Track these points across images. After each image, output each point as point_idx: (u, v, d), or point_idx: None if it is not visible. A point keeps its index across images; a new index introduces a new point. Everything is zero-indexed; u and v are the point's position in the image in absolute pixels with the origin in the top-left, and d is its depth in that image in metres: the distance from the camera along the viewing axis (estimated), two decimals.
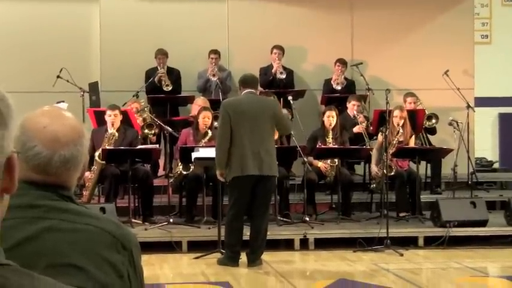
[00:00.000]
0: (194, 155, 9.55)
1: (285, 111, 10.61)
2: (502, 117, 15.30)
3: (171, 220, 10.12)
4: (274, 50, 12.66)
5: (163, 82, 12.26)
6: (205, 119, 10.59)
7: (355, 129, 11.73)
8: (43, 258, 1.91)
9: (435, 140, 12.30)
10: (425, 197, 11.36)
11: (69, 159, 2.07)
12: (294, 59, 13.05)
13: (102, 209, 9.15)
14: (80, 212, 2.04)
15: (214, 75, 12.44)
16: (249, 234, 8.67)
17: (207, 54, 12.54)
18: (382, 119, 10.67)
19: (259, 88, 10.81)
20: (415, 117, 11.49)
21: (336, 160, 10.84)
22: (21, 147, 1.98)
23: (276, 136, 9.38)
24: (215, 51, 12.55)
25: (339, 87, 12.78)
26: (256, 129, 8.41)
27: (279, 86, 12.47)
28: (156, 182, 10.92)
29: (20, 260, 1.38)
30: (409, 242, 9.87)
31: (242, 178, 8.40)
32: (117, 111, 10.41)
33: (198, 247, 9.41)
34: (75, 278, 1.88)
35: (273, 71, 12.58)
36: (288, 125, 9.21)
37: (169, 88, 12.26)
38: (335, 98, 12.47)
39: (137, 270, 2.05)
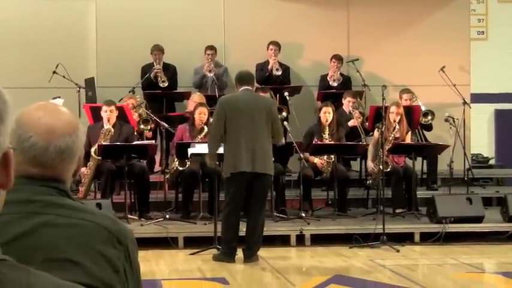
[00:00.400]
0: (190, 150, 9.55)
1: None
2: (498, 113, 15.31)
3: (167, 216, 10.13)
4: (271, 46, 12.66)
5: (159, 78, 12.26)
6: (201, 114, 10.60)
7: (350, 123, 11.74)
8: (39, 253, 1.91)
9: (431, 136, 12.32)
10: (421, 193, 11.38)
11: (64, 150, 2.08)
12: (290, 54, 13.05)
13: (99, 205, 9.16)
14: (76, 207, 2.05)
15: (210, 71, 12.43)
16: (245, 230, 8.68)
17: (203, 50, 12.55)
18: (378, 115, 10.67)
19: (256, 84, 10.79)
20: (411, 114, 11.50)
21: (332, 156, 10.85)
22: (17, 140, 2.00)
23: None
24: (211, 47, 12.55)
25: (335, 84, 12.78)
26: (251, 126, 8.41)
27: (276, 82, 12.47)
28: (152, 178, 10.94)
29: (16, 255, 1.39)
30: (405, 238, 9.88)
31: (236, 175, 8.42)
32: (113, 107, 10.42)
33: (194, 243, 9.42)
34: (71, 272, 1.88)
35: (269, 67, 12.57)
36: (280, 130, 8.88)
37: (165, 84, 12.26)
38: (331, 94, 12.48)
39: (133, 266, 2.05)
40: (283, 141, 9.61)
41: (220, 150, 8.64)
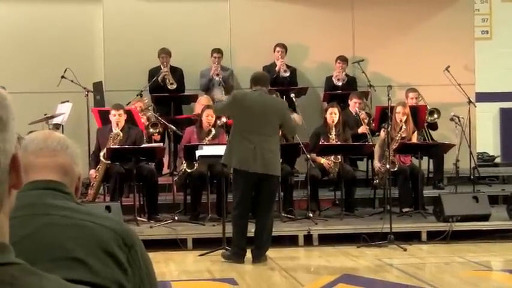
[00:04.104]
0: (198, 153, 9.61)
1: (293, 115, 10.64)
2: (503, 112, 15.34)
3: (176, 218, 10.17)
4: (277, 48, 12.70)
5: (167, 81, 12.30)
6: (208, 117, 10.66)
7: (360, 130, 11.76)
8: (44, 253, 1.92)
9: (437, 136, 12.36)
10: (428, 192, 11.41)
11: (65, 143, 2.16)
12: (295, 56, 13.10)
13: (108, 208, 9.22)
14: (80, 209, 2.07)
15: (218, 75, 12.48)
16: (253, 231, 8.74)
17: (210, 53, 12.61)
18: (384, 115, 10.71)
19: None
20: (417, 113, 11.55)
21: (339, 156, 10.90)
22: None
23: (280, 133, 9.43)
24: (218, 51, 12.59)
25: (339, 83, 12.83)
26: (259, 127, 8.46)
27: (283, 83, 12.50)
28: (161, 180, 10.98)
29: (21, 255, 1.40)
30: (412, 237, 9.92)
31: (240, 172, 8.49)
32: (121, 111, 10.47)
33: (203, 244, 9.47)
34: (78, 271, 1.90)
35: (276, 69, 12.62)
36: (293, 128, 9.20)
37: (174, 86, 12.29)
38: (337, 95, 12.53)
39: (143, 266, 2.05)
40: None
41: (222, 151, 8.75)
